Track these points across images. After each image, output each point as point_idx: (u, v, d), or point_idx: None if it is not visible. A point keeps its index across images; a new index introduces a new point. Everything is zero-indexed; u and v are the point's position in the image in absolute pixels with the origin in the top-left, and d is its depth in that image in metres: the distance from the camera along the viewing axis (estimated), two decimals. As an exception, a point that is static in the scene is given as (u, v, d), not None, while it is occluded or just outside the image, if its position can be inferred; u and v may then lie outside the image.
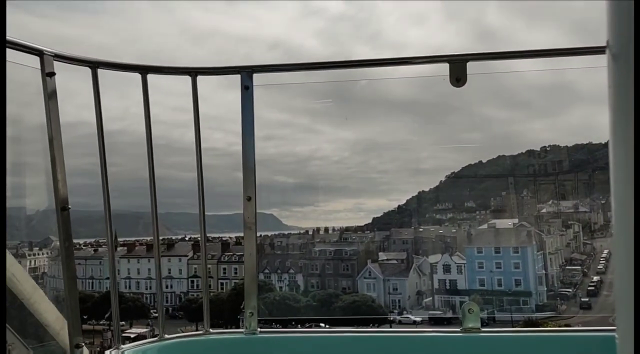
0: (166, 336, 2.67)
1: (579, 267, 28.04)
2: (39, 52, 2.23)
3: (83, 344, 2.36)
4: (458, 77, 2.78)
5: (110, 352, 2.46)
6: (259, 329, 2.73)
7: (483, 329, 2.63)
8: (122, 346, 2.53)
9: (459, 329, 2.64)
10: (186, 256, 65.82)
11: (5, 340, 1.69)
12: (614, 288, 0.67)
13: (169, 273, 68.50)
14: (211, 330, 2.76)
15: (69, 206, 2.36)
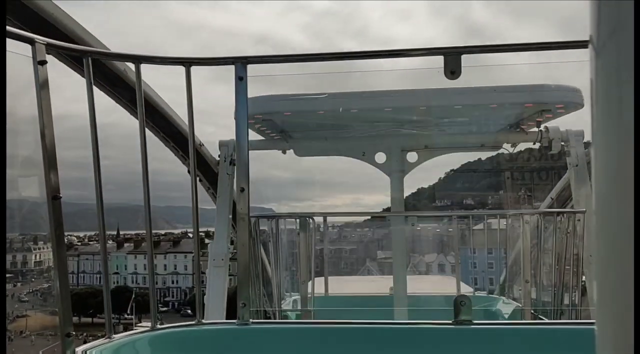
0: (158, 326, 2.68)
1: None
2: (30, 40, 2.23)
3: (73, 333, 2.37)
4: (452, 69, 2.77)
5: (102, 340, 2.48)
6: (251, 320, 2.73)
7: (475, 322, 2.62)
8: (114, 335, 2.54)
9: (450, 322, 2.64)
10: (191, 253, 66.24)
11: (5, 340, 1.69)
12: (595, 281, 0.67)
13: (175, 268, 69.06)
14: (204, 320, 2.76)
15: (60, 195, 2.36)
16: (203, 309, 2.85)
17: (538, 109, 5.10)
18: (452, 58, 2.72)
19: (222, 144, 5.78)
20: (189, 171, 4.27)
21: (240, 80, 2.80)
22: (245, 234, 2.81)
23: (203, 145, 6.37)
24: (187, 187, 2.82)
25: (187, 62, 2.76)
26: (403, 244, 5.98)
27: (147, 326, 2.69)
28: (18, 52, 2.26)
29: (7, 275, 57.48)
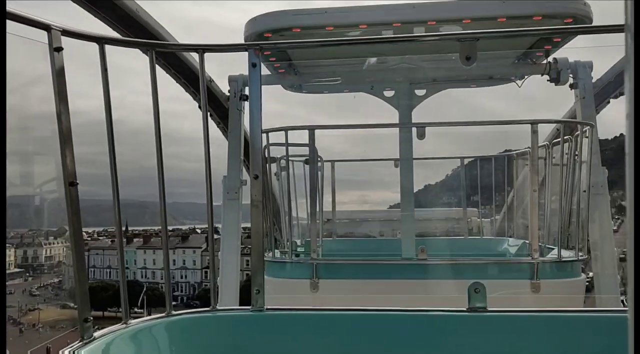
0: (173, 312, 2.70)
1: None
2: (46, 27, 2.23)
3: (91, 318, 2.38)
4: (468, 55, 2.75)
5: (119, 326, 2.49)
6: (266, 307, 2.73)
7: (489, 309, 2.61)
8: (131, 321, 2.55)
9: (464, 309, 2.62)
10: (200, 248, 66.69)
11: (5, 340, 1.69)
12: (627, 269, 0.66)
13: (184, 263, 69.49)
14: (218, 307, 2.77)
15: (77, 182, 2.37)
16: (217, 296, 2.86)
17: (547, 24, 4.97)
18: (468, 44, 2.70)
19: (232, 80, 5.80)
20: (199, 107, 4.40)
21: (254, 66, 2.80)
22: (259, 220, 2.80)
23: (213, 81, 6.41)
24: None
25: (201, 49, 2.76)
26: (410, 175, 5.92)
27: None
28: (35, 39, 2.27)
29: (18, 270, 58.09)
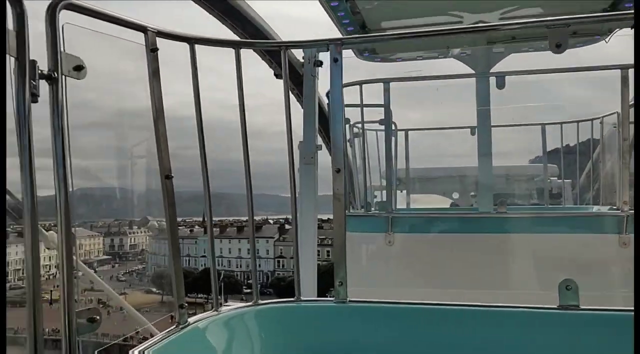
0: (260, 302, 2.80)
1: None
2: (143, 29, 2.36)
3: (186, 305, 2.51)
4: (558, 43, 2.63)
5: (211, 313, 2.63)
6: (349, 298, 2.77)
7: (582, 307, 2.50)
8: (221, 308, 2.68)
9: (555, 306, 2.53)
10: (272, 237, 68.32)
11: (5, 340, 1.81)
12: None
13: (257, 253, 71.25)
14: (302, 298, 2.85)
15: (172, 175, 2.50)
16: (300, 288, 2.92)
17: None
18: (558, 30, 2.58)
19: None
20: (275, 74, 4.36)
21: (335, 62, 2.83)
22: (341, 214, 2.84)
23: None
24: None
25: (284, 46, 2.83)
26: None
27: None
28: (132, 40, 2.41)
29: (106, 257, 62.03)
